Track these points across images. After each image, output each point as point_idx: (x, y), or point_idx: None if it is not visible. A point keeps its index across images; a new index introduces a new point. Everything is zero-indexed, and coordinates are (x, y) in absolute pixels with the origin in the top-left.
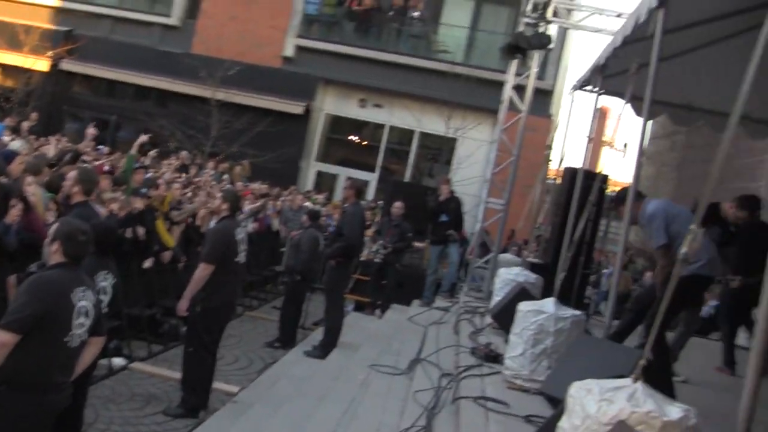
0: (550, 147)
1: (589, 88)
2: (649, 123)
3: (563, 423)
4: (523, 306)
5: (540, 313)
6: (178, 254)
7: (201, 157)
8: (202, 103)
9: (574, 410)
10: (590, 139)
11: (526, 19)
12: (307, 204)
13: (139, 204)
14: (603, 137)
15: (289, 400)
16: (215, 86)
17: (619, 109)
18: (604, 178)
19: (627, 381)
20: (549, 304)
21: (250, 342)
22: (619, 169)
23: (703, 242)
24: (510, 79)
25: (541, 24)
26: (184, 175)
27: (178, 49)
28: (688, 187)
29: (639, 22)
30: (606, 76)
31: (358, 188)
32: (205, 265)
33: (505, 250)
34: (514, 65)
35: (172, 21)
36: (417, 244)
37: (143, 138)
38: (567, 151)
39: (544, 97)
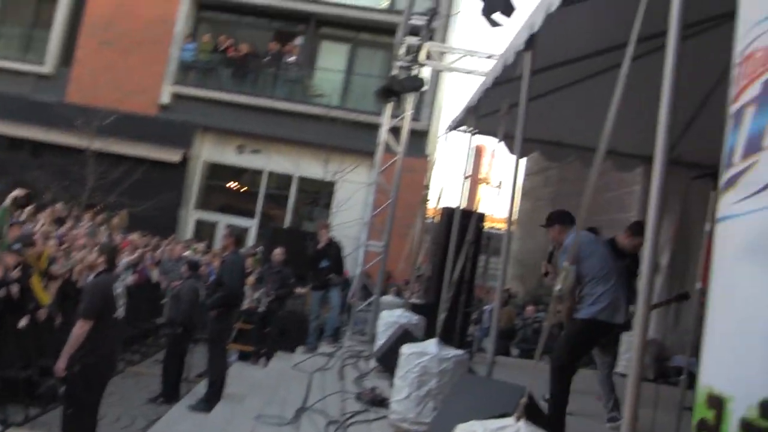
0: (427, 187)
1: (463, 128)
2: (523, 159)
3: None
4: (406, 348)
5: (423, 354)
6: (54, 312)
7: (77, 208)
8: (78, 154)
9: None
10: (466, 178)
11: (400, 63)
12: (187, 253)
13: (11, 260)
14: (480, 175)
15: None
16: (91, 136)
17: (493, 147)
18: (481, 216)
19: (510, 420)
20: (431, 345)
21: (132, 399)
22: (496, 205)
23: (610, 283)
24: (385, 122)
25: (415, 67)
26: (59, 228)
27: (53, 99)
28: None
29: (507, 64)
30: (479, 117)
31: (236, 237)
32: (83, 321)
33: (386, 293)
34: (389, 108)
35: (46, 69)
36: (299, 290)
37: (17, 192)
38: (445, 190)
39: (420, 138)
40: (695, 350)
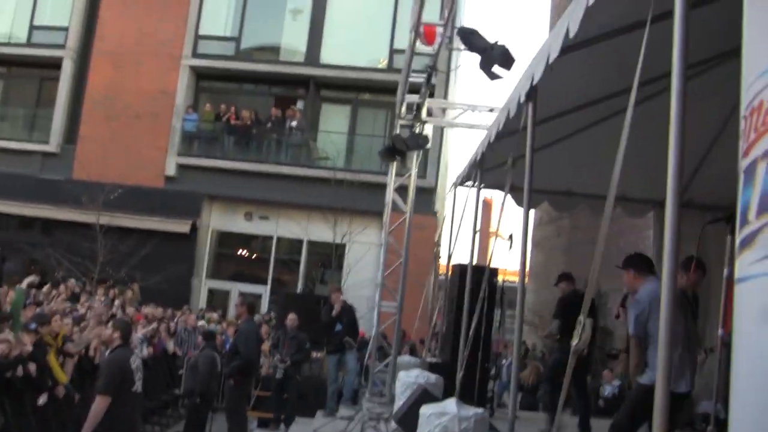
0: (438, 244)
1: (469, 183)
2: (533, 211)
3: None
4: (426, 409)
5: (443, 414)
6: (71, 390)
7: (90, 284)
8: (87, 229)
9: None
10: (476, 233)
11: (402, 121)
12: (201, 323)
13: (28, 339)
14: (489, 229)
15: None
16: (98, 211)
17: (501, 200)
18: (494, 271)
19: None
20: (451, 404)
21: None
22: (507, 258)
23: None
24: (391, 181)
25: (417, 125)
26: (74, 305)
27: (59, 176)
28: (579, 269)
29: (510, 117)
30: (485, 170)
31: (249, 304)
32: (101, 397)
33: (402, 353)
34: (394, 167)
35: (51, 148)
36: (315, 354)
37: (32, 278)
38: (455, 246)
39: (427, 195)
40: (720, 396)
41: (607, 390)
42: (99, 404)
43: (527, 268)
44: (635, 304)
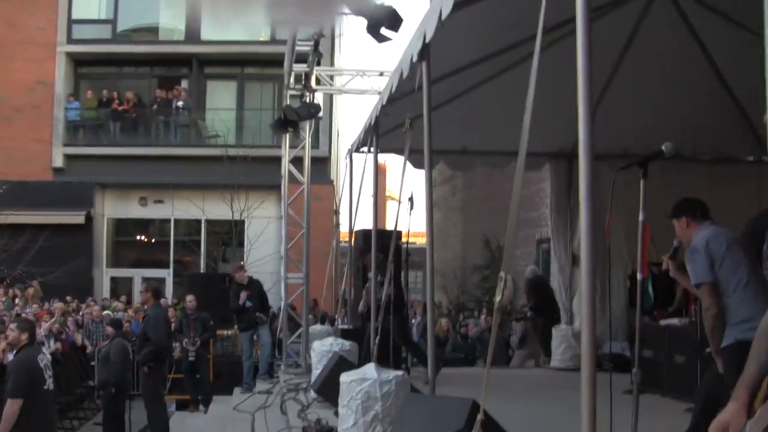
0: (337, 212)
1: (365, 149)
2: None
3: None
4: (346, 377)
5: (363, 381)
6: None
7: None
8: None
9: None
10: (377, 198)
11: (291, 92)
12: (106, 313)
13: None
14: (385, 193)
15: None
16: None
17: (396, 164)
18: (399, 234)
19: None
20: (370, 369)
21: None
22: (406, 221)
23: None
24: (286, 153)
25: (306, 94)
26: None
27: None
28: (476, 225)
29: (403, 78)
30: (380, 135)
31: (154, 289)
32: (12, 400)
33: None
34: (287, 138)
35: None
36: (224, 333)
37: None
38: (354, 213)
39: (321, 165)
40: (626, 336)
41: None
42: (10, 408)
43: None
44: (694, 252)
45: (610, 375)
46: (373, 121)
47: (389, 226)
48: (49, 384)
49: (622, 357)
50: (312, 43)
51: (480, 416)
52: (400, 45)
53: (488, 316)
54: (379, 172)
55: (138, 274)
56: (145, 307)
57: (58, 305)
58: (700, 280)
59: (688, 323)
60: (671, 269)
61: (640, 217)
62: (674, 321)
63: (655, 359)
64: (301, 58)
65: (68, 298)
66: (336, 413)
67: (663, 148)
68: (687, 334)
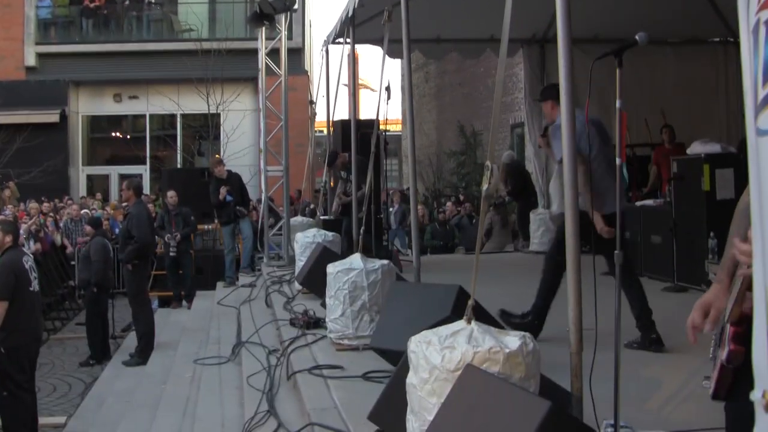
0: (312, 103)
1: (341, 40)
2: (398, 61)
3: (411, 379)
4: (332, 268)
5: (350, 271)
6: None
7: None
8: None
9: (419, 365)
10: (356, 88)
11: None
12: (85, 212)
13: None
14: (358, 82)
15: (123, 417)
16: None
17: (369, 53)
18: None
19: (461, 324)
20: (356, 259)
21: (63, 366)
22: (381, 109)
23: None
24: (262, 46)
25: None
26: None
27: None
28: (450, 112)
29: None
30: (357, 26)
31: (136, 187)
32: None
33: (296, 214)
34: (263, 32)
35: None
36: (205, 227)
37: None
38: (330, 103)
39: (296, 56)
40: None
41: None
42: None
43: (400, 117)
44: (557, 129)
45: (593, 257)
46: (350, 13)
47: (364, 114)
48: (35, 285)
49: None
50: None
51: (471, 302)
52: None
53: (465, 202)
54: (353, 62)
55: (114, 171)
56: (125, 204)
57: (32, 205)
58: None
59: (663, 203)
60: (543, 145)
61: (617, 105)
62: (649, 202)
63: (631, 240)
64: None
65: (43, 198)
66: (322, 304)
67: (637, 38)
68: (662, 214)
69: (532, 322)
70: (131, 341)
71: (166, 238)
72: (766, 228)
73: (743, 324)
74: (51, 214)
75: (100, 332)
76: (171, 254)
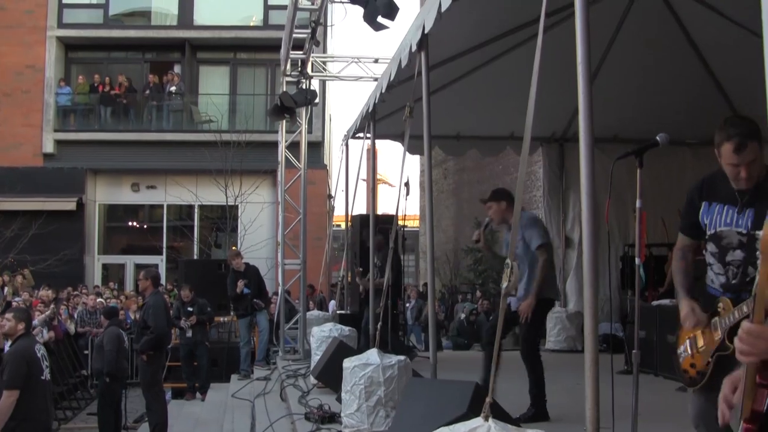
0: (330, 197)
1: (361, 135)
2: (417, 157)
3: None
4: (348, 362)
5: (367, 366)
6: None
7: None
8: None
9: None
10: (375, 183)
11: (287, 78)
12: (100, 301)
13: None
14: (377, 176)
15: None
16: None
17: (387, 149)
18: (396, 219)
19: (479, 421)
20: (373, 355)
21: None
22: (399, 205)
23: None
24: (282, 139)
25: (302, 80)
26: None
27: None
28: (468, 209)
29: (402, 67)
30: (377, 121)
31: (153, 277)
32: (9, 392)
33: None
34: (283, 124)
35: None
36: (220, 319)
37: None
38: (352, 198)
39: (315, 149)
40: (618, 317)
41: None
42: (8, 399)
43: (418, 213)
44: (536, 221)
45: (611, 356)
46: (370, 108)
47: (382, 209)
48: (46, 374)
49: (616, 337)
50: (309, 30)
51: (489, 399)
52: (393, 32)
53: (482, 299)
54: (372, 158)
55: (130, 261)
56: (143, 295)
57: (43, 293)
58: (546, 240)
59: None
60: (482, 240)
61: (638, 204)
62: (665, 302)
63: (647, 339)
64: (296, 45)
65: (48, 288)
66: (338, 399)
67: (658, 138)
68: (678, 314)
69: (537, 412)
70: None
71: (181, 323)
72: None
73: (756, 421)
74: (64, 302)
75: (111, 422)
76: (188, 336)
